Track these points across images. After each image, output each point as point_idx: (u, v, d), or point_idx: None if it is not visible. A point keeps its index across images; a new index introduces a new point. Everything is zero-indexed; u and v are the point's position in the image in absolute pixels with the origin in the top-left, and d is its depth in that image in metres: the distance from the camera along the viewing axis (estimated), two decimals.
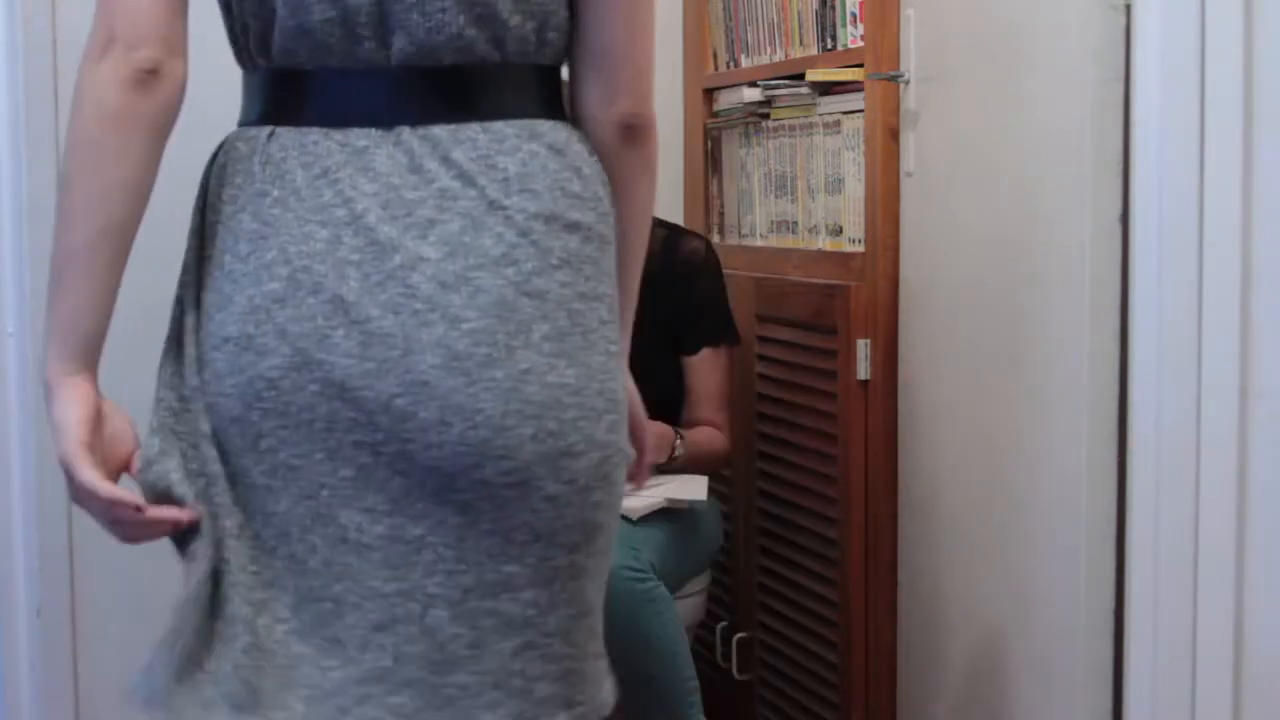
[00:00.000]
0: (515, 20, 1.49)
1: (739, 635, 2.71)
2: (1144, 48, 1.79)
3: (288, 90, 1.54)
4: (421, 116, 1.48)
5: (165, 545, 1.93)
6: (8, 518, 2.05)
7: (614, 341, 1.52)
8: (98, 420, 1.49)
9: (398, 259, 1.45)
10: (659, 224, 2.58)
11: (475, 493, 1.45)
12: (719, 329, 2.57)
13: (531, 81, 1.52)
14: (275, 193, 1.49)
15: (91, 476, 1.45)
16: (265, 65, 1.54)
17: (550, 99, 1.53)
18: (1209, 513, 1.77)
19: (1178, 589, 1.79)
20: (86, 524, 2.03)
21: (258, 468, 1.47)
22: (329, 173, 1.48)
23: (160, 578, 2.06)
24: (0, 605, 2.08)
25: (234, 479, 1.48)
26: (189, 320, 1.52)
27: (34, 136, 2.00)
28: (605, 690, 1.55)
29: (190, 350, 1.51)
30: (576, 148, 1.52)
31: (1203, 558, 1.78)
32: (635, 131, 1.54)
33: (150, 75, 1.47)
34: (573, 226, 1.49)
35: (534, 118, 1.50)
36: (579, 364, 1.47)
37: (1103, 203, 1.86)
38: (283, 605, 1.48)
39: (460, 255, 1.45)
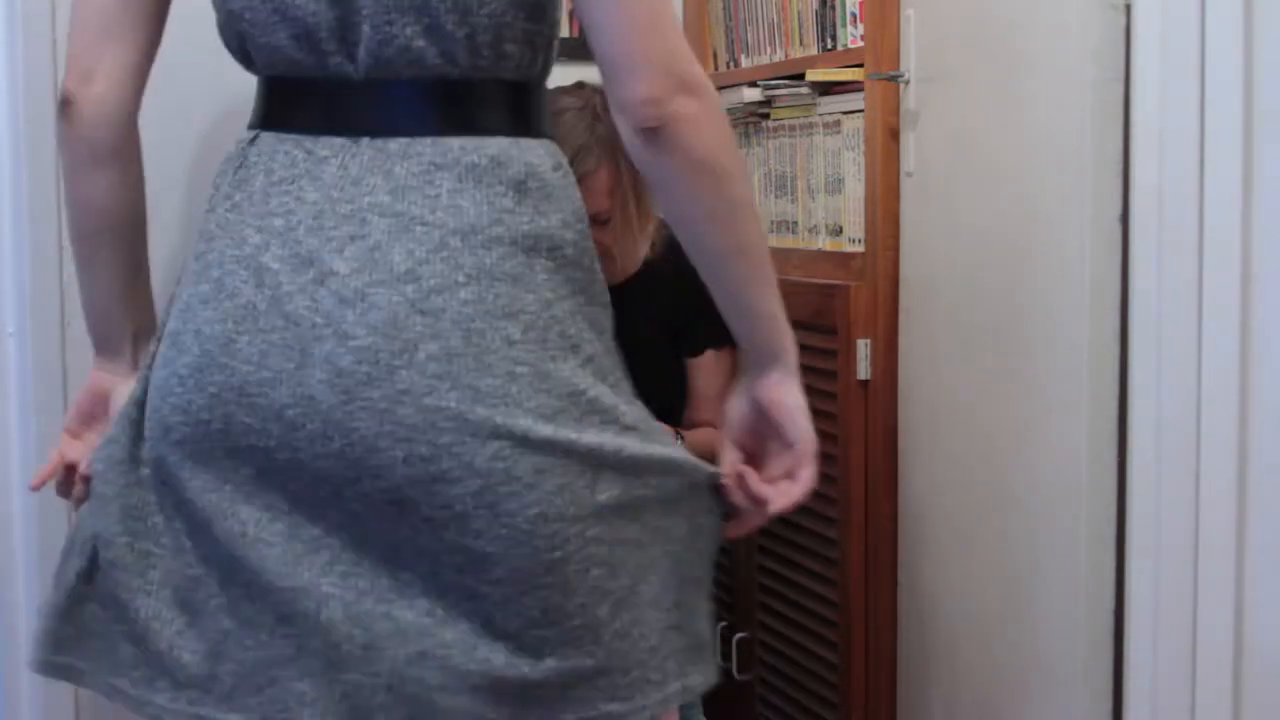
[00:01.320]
0: (462, 33, 1.47)
1: (739, 635, 2.71)
2: (1144, 48, 1.79)
3: (274, 97, 1.56)
4: (382, 129, 1.49)
5: None
6: (8, 518, 2.05)
7: (524, 362, 1.44)
8: (93, 406, 1.67)
9: (311, 272, 1.46)
10: (663, 225, 2.58)
11: (361, 503, 1.47)
12: (723, 331, 2.55)
13: (492, 96, 1.50)
14: (236, 197, 1.52)
15: (51, 454, 1.67)
16: (255, 73, 1.56)
17: (516, 115, 1.50)
18: (1209, 513, 1.77)
19: (1178, 589, 1.79)
20: None
21: (172, 456, 1.52)
22: (284, 181, 1.50)
23: None
24: (0, 605, 2.08)
25: (157, 464, 1.54)
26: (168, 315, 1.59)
27: (34, 136, 2.00)
28: None
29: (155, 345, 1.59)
30: (529, 161, 1.49)
31: (1203, 558, 1.78)
32: (654, 134, 1.46)
33: (65, 105, 1.58)
34: (494, 240, 1.45)
35: (492, 134, 1.49)
36: (463, 386, 1.42)
37: (1103, 203, 1.86)
38: (213, 581, 1.53)
39: (366, 271, 1.45)
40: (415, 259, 1.44)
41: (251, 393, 1.47)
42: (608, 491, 1.49)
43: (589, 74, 2.46)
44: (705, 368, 2.55)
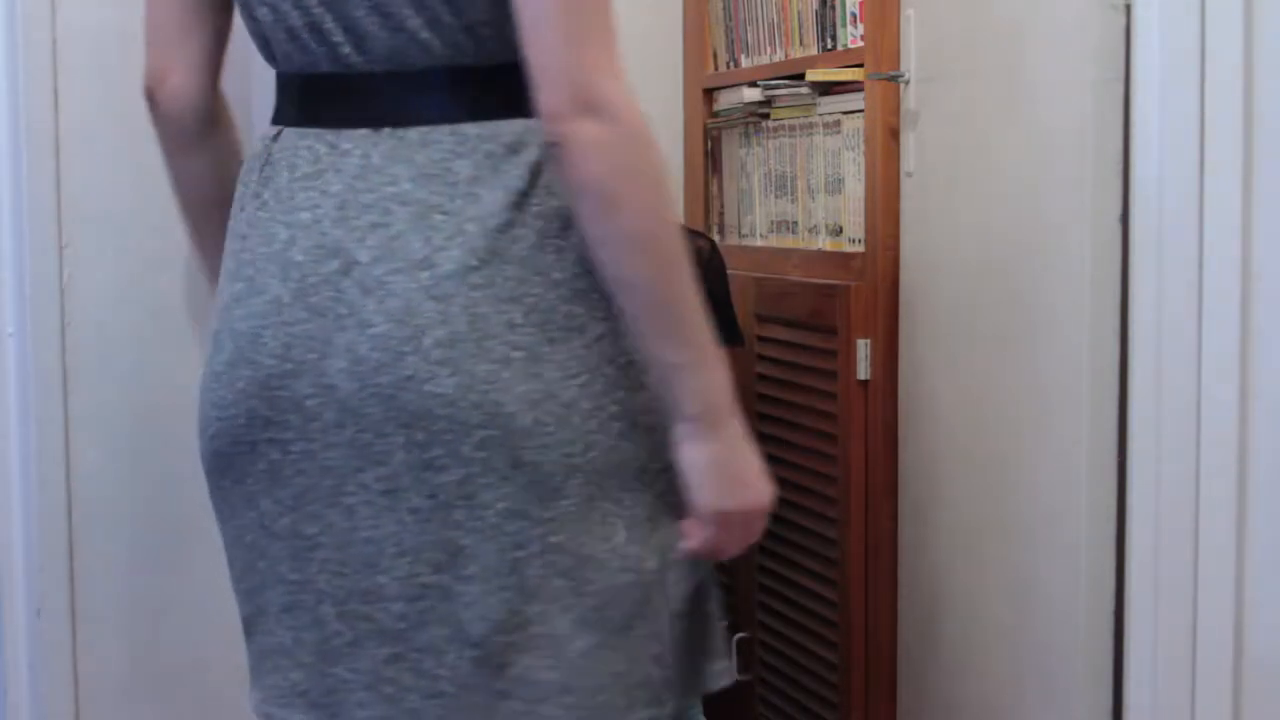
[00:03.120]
0: (460, 21, 1.48)
1: (739, 635, 2.71)
2: (1144, 48, 1.79)
3: (292, 93, 1.57)
4: (401, 119, 1.49)
5: (165, 546, 1.94)
6: (8, 518, 2.05)
7: (520, 347, 1.44)
8: None
9: (335, 263, 1.48)
10: None
11: (358, 497, 1.48)
12: (722, 328, 2.56)
13: (504, 81, 1.49)
14: (264, 194, 1.53)
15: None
16: (276, 69, 1.57)
17: (512, 97, 1.48)
18: (1209, 513, 1.77)
19: (1178, 589, 1.79)
20: (87, 524, 2.04)
21: (208, 448, 1.59)
22: (308, 176, 1.51)
23: (160, 578, 2.06)
24: (0, 605, 2.08)
25: (204, 458, 1.61)
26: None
27: (34, 136, 2.00)
28: None
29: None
30: (534, 147, 1.49)
31: (1203, 558, 1.78)
32: (553, 150, 1.42)
33: (149, 102, 1.67)
34: (507, 225, 1.46)
35: (507, 117, 1.49)
36: (462, 373, 1.43)
37: (1103, 203, 1.86)
38: (234, 573, 1.62)
39: (387, 259, 1.46)
40: (432, 246, 1.45)
41: (274, 386, 1.50)
42: (573, 498, 1.48)
43: None
44: None
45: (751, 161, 2.76)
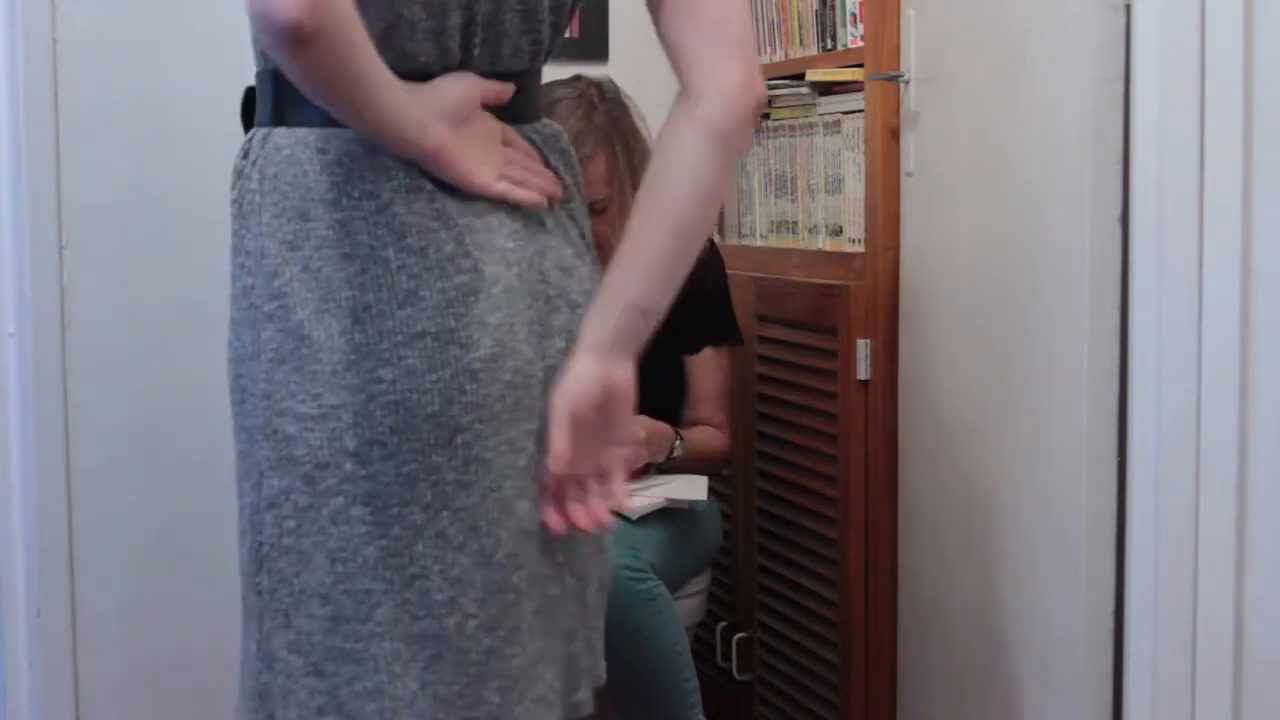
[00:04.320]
0: (529, 37, 1.53)
1: (739, 635, 2.71)
2: (1144, 48, 1.79)
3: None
4: (537, 113, 1.58)
5: (164, 546, 1.93)
6: (7, 518, 2.05)
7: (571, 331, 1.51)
8: None
9: (533, 247, 1.51)
10: None
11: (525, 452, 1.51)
12: (721, 329, 2.56)
13: (534, 84, 1.58)
14: (429, 185, 1.47)
15: None
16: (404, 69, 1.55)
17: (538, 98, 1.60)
18: (1209, 513, 1.77)
19: (1178, 589, 1.79)
20: (86, 524, 2.04)
21: (450, 464, 1.44)
22: None
23: (160, 578, 2.06)
24: (0, 605, 2.08)
25: (413, 479, 1.44)
26: (317, 331, 1.44)
27: (34, 136, 2.00)
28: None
29: (325, 363, 1.44)
30: (553, 133, 1.58)
31: (1203, 558, 1.78)
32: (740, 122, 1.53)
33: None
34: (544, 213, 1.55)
35: (531, 120, 1.57)
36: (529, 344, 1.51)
37: (1103, 203, 1.86)
38: (470, 601, 1.46)
39: (557, 247, 1.53)
40: (537, 234, 1.51)
41: (531, 371, 1.50)
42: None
43: (589, 73, 2.46)
44: (704, 365, 2.54)
45: (751, 161, 2.76)
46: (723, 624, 2.76)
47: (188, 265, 2.02)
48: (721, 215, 2.91)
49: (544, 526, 1.47)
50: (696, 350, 2.54)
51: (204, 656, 2.10)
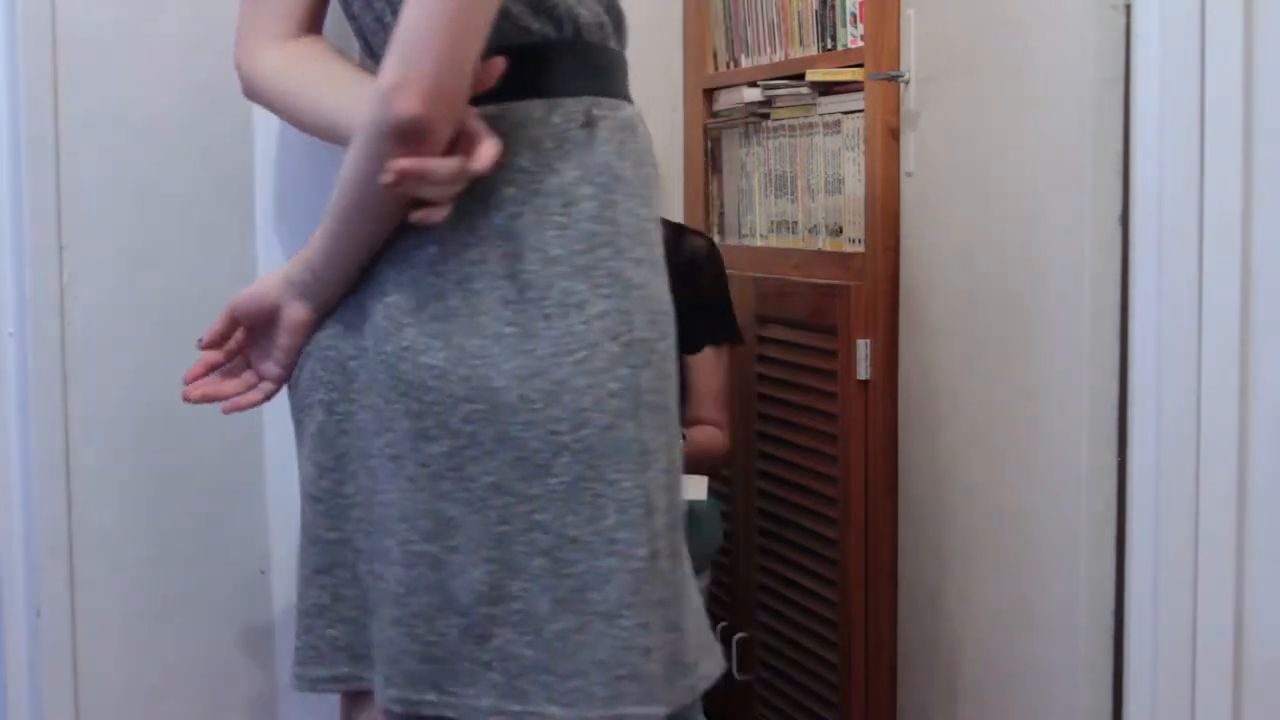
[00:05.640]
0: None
1: (739, 635, 2.71)
2: (1144, 48, 1.79)
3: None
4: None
5: (164, 546, 1.94)
6: (8, 518, 2.05)
7: (514, 323, 1.48)
8: None
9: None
10: (662, 222, 2.57)
11: (377, 460, 1.54)
12: (721, 328, 2.56)
13: (527, 59, 1.54)
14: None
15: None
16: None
17: (540, 74, 1.53)
18: (1209, 513, 1.77)
19: (1178, 589, 1.79)
20: (86, 524, 2.03)
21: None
22: None
23: (160, 578, 2.06)
24: (0, 605, 2.08)
25: None
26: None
27: (34, 136, 2.00)
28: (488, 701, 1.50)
29: None
30: (552, 120, 1.53)
31: (1203, 558, 1.78)
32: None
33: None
34: (505, 202, 1.52)
35: (517, 98, 1.52)
36: (453, 347, 1.48)
37: (1103, 203, 1.86)
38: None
39: (408, 233, 1.54)
40: (450, 222, 1.48)
41: (326, 347, 1.61)
42: (560, 477, 1.47)
43: None
44: (704, 365, 2.55)
45: (751, 161, 2.76)
46: (723, 624, 2.76)
47: (188, 265, 2.01)
48: (721, 215, 2.91)
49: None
50: (697, 350, 2.54)
51: (204, 656, 2.10)
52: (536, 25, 1.50)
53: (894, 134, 2.29)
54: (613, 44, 1.56)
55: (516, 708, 1.48)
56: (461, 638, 1.50)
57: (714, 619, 2.76)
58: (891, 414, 2.32)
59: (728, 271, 2.60)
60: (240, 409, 1.61)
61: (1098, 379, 1.88)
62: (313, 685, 1.61)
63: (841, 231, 2.45)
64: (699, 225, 2.91)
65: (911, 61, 2.24)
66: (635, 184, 1.53)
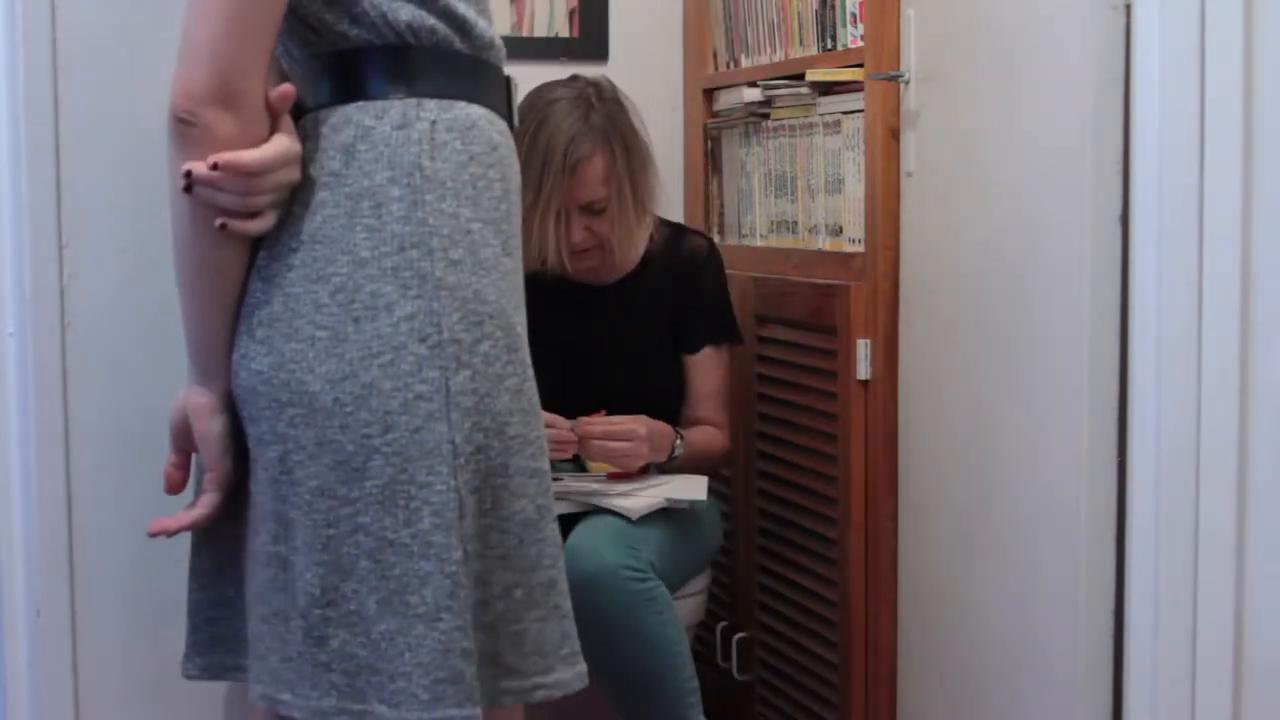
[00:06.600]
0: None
1: (739, 635, 2.71)
2: (1144, 48, 1.79)
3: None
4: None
5: (164, 546, 1.94)
6: (8, 518, 2.05)
7: (325, 326, 1.48)
8: None
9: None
10: (662, 222, 2.58)
11: (250, 464, 1.57)
12: (721, 328, 2.57)
13: (320, 70, 1.56)
14: None
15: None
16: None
17: (348, 80, 1.54)
18: (1209, 513, 1.77)
19: (1178, 589, 1.79)
20: (86, 524, 2.04)
21: None
22: None
23: (160, 578, 2.06)
24: (0, 605, 2.08)
25: None
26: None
27: (34, 136, 2.00)
28: (325, 703, 1.50)
29: None
30: (364, 123, 1.53)
31: (1203, 558, 1.78)
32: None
33: None
34: (320, 205, 1.52)
35: (336, 103, 1.54)
36: (275, 352, 1.49)
37: (1103, 203, 1.86)
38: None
39: (265, 240, 1.57)
40: (279, 225, 1.51)
41: None
42: (375, 479, 1.48)
43: (588, 73, 2.47)
44: (704, 365, 2.55)
45: (751, 161, 2.76)
46: (723, 624, 2.76)
47: None
48: (721, 215, 2.91)
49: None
50: (696, 350, 2.54)
51: None
52: (354, 32, 1.52)
53: (894, 134, 2.29)
54: (459, 47, 1.55)
55: (357, 707, 1.50)
56: (304, 639, 1.51)
57: (714, 619, 2.77)
58: (891, 414, 2.32)
59: (728, 271, 2.60)
60: (169, 530, 1.61)
61: (1098, 379, 1.88)
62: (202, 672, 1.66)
63: (841, 231, 2.45)
64: (699, 225, 2.91)
65: (911, 61, 2.24)
66: (456, 185, 1.52)
